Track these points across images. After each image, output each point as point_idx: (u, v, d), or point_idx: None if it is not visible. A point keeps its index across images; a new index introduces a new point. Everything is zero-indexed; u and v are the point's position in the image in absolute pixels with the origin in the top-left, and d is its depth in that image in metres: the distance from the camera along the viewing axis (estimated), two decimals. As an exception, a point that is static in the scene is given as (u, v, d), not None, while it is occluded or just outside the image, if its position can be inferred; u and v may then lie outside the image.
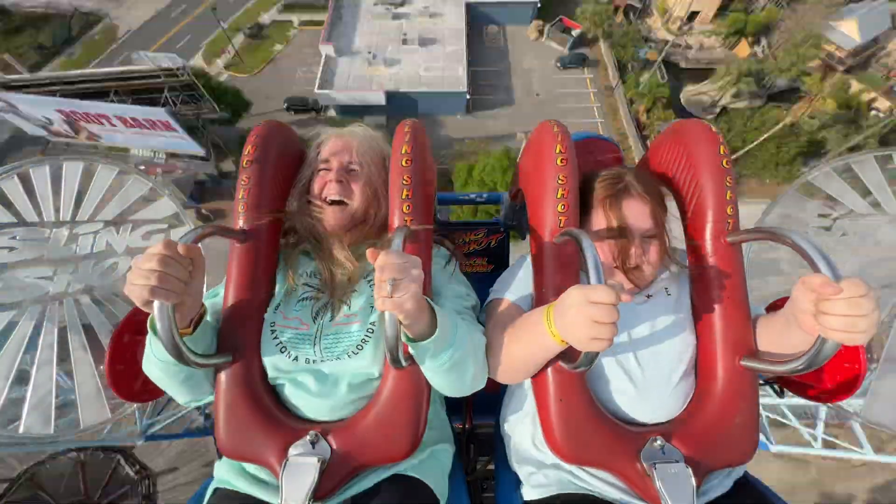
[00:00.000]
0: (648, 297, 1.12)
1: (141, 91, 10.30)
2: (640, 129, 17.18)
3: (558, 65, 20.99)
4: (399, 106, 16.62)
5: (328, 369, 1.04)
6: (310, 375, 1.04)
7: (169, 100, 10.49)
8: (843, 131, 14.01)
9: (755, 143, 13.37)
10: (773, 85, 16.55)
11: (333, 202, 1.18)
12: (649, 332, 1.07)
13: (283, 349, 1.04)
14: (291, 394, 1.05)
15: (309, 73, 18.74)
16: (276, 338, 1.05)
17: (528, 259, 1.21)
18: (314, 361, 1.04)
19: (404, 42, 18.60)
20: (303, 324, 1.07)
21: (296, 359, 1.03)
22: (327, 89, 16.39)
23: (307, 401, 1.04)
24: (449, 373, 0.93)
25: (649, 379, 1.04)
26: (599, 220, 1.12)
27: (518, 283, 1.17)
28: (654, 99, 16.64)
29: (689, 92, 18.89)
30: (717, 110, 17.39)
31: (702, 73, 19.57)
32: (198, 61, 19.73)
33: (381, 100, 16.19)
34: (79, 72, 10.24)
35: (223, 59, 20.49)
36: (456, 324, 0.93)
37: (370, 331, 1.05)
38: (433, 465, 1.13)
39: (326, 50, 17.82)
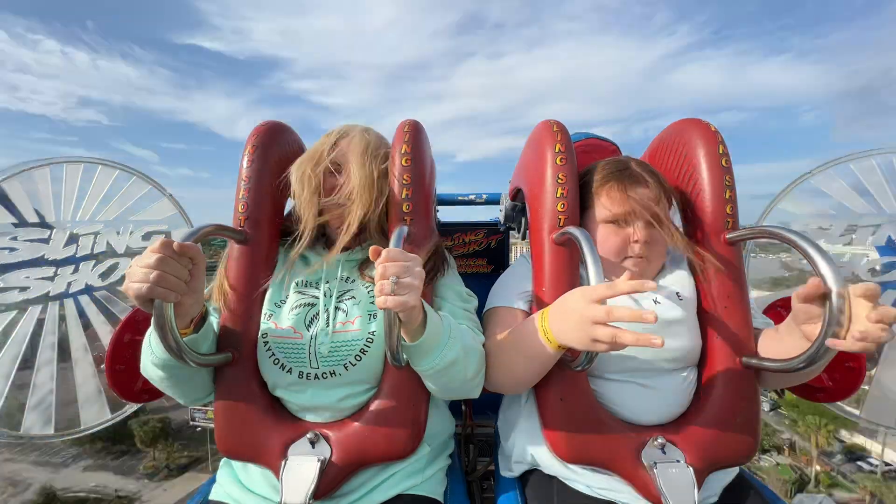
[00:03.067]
0: (656, 301, 1.06)
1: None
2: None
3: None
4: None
5: (325, 381, 1.00)
6: (306, 386, 1.01)
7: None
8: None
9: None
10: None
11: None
12: (656, 332, 1.05)
13: (277, 361, 1.01)
14: (289, 403, 1.05)
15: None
16: (269, 349, 1.02)
17: (524, 261, 1.21)
18: (308, 376, 1.00)
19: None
20: (296, 332, 1.02)
21: (290, 371, 1.00)
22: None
23: (305, 410, 1.03)
24: (441, 375, 0.92)
25: (658, 383, 1.03)
26: (602, 205, 1.08)
27: (515, 287, 1.15)
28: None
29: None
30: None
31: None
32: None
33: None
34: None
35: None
36: (449, 326, 0.92)
37: (370, 339, 1.01)
38: (438, 478, 1.11)
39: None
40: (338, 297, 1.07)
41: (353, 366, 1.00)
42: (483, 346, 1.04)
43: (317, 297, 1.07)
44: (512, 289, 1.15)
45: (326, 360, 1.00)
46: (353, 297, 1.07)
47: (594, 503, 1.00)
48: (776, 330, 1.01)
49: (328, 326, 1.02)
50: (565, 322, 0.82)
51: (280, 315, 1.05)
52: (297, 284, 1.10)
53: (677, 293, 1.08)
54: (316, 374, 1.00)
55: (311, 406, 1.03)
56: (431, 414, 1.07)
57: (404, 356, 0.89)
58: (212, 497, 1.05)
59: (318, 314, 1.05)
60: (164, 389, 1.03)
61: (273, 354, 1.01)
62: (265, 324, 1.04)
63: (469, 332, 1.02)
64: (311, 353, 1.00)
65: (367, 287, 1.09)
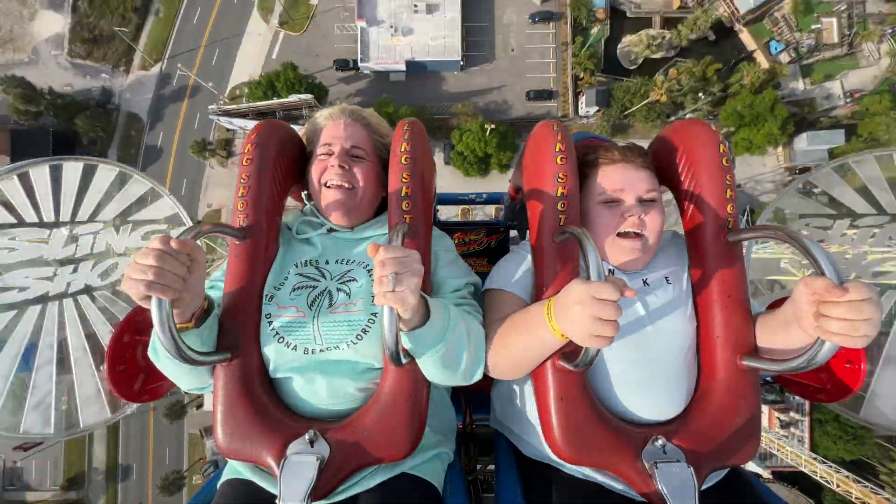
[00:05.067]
0: (646, 282, 1.10)
1: (289, 109, 20.48)
2: (576, 87, 23.08)
3: (530, 20, 23.99)
4: (415, 68, 23.78)
5: (328, 357, 1.02)
6: (309, 363, 1.02)
7: (303, 114, 20.32)
8: (694, 97, 21.05)
9: (637, 106, 20.75)
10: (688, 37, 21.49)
11: (333, 186, 1.16)
12: (649, 321, 1.06)
13: (281, 339, 1.03)
14: (291, 384, 1.04)
15: (345, 31, 24.01)
16: (272, 328, 1.04)
17: (524, 250, 1.21)
18: (313, 351, 1.02)
19: (415, 10, 23.56)
20: (299, 311, 1.05)
21: (294, 347, 1.02)
22: (366, 62, 23.59)
23: (307, 390, 1.03)
24: (443, 361, 0.93)
25: (650, 367, 1.03)
26: (597, 185, 1.12)
27: (515, 274, 1.16)
28: (585, 67, 22.08)
29: (622, 44, 22.81)
30: (640, 62, 22.45)
31: (643, 22, 23.05)
32: (255, 18, 24.47)
33: (402, 68, 23.54)
34: (261, 103, 20.20)
35: (276, 17, 24.48)
36: (449, 313, 0.93)
37: (371, 320, 1.03)
38: (438, 466, 1.12)
39: (361, 24, 23.54)
40: (339, 279, 1.10)
41: (355, 344, 1.02)
42: (482, 326, 1.06)
43: (317, 280, 1.10)
44: (514, 275, 1.16)
45: (329, 337, 1.02)
46: (356, 280, 1.09)
47: (588, 487, 1.02)
48: (773, 316, 1.00)
49: (330, 305, 1.05)
50: (567, 314, 0.82)
51: (281, 297, 1.07)
52: (296, 266, 1.13)
53: (666, 278, 1.11)
54: (321, 349, 1.02)
55: (313, 385, 1.02)
56: (432, 401, 1.07)
57: (403, 356, 0.89)
58: (226, 477, 1.07)
59: (319, 294, 1.08)
60: (170, 376, 1.05)
61: (277, 334, 1.03)
62: (267, 306, 1.06)
63: (469, 316, 1.03)
64: (315, 330, 1.03)
65: (367, 269, 1.11)
